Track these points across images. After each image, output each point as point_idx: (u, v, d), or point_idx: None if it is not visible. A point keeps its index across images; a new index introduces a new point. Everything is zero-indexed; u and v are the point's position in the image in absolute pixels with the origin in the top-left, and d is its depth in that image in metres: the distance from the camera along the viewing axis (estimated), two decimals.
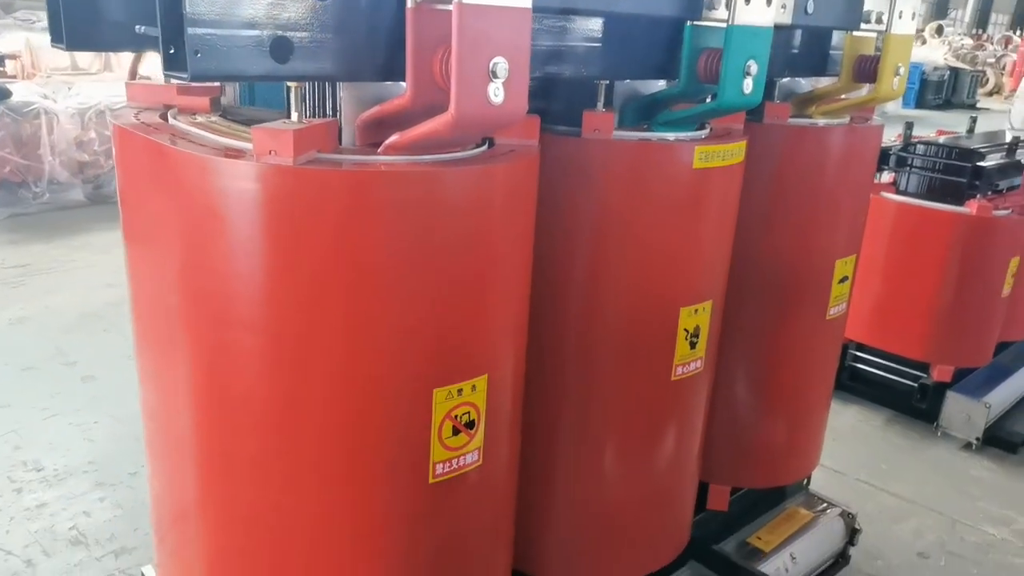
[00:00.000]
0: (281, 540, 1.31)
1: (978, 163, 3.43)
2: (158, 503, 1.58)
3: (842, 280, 2.21)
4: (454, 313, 1.24)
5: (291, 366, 1.19)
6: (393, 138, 1.17)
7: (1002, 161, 3.54)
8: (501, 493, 1.48)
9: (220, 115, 1.46)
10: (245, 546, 1.35)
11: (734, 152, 1.67)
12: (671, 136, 1.60)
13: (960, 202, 3.52)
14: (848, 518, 2.61)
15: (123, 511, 2.87)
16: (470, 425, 1.32)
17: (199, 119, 1.42)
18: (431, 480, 1.30)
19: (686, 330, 1.72)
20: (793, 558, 2.39)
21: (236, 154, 1.13)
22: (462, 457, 1.32)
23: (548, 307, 1.59)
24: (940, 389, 3.73)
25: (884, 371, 3.95)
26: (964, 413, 3.66)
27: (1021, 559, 2.85)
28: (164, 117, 1.43)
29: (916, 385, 3.79)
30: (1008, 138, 3.97)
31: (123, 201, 1.43)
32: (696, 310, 1.72)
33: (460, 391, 1.28)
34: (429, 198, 1.16)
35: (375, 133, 1.25)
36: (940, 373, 3.72)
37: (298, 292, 1.16)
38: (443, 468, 1.30)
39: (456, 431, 1.30)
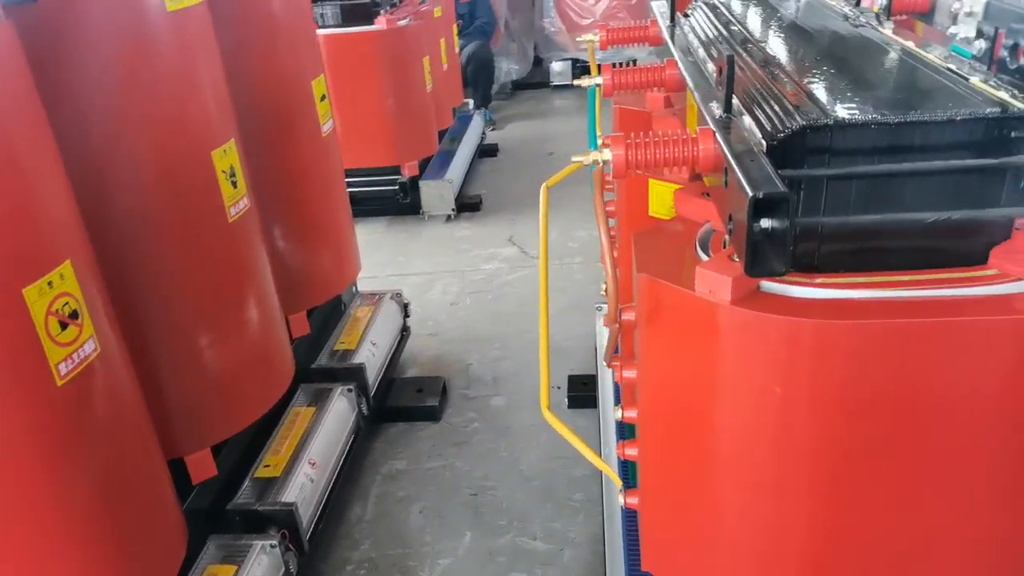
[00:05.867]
0: None
1: None
2: None
3: (322, 99, 2.49)
4: (20, 201, 1.15)
5: None
6: None
7: None
8: (127, 378, 1.47)
9: None
10: None
11: None
12: None
13: (370, 21, 4.05)
14: (398, 297, 3.12)
15: None
16: (75, 316, 1.27)
17: None
18: (59, 383, 1.24)
19: (223, 171, 1.81)
20: (374, 344, 2.81)
21: None
22: (80, 349, 1.28)
23: (94, 184, 1.52)
24: (414, 183, 4.46)
25: (367, 187, 4.50)
26: (437, 194, 4.47)
27: (512, 275, 3.80)
28: None
29: (397, 187, 4.45)
30: None
31: None
32: (225, 150, 1.81)
33: (51, 283, 1.22)
34: None
35: None
36: (410, 169, 4.43)
37: None
38: (66, 367, 1.25)
39: (64, 325, 1.24)
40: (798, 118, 1.13)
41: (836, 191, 1.12)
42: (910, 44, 1.55)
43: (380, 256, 4.11)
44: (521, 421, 2.70)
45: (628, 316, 1.35)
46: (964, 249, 1.17)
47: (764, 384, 1.15)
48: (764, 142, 1.15)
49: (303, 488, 2.10)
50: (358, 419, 2.52)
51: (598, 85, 1.69)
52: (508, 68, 7.22)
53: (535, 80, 7.49)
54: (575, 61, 7.24)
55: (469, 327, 3.36)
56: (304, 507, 2.06)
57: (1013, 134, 1.10)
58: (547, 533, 2.21)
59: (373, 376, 2.69)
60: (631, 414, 1.43)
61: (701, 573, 1.40)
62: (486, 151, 5.60)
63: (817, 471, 1.18)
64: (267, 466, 2.15)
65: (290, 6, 2.31)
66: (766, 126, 1.18)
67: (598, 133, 2.26)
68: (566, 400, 2.73)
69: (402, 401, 2.81)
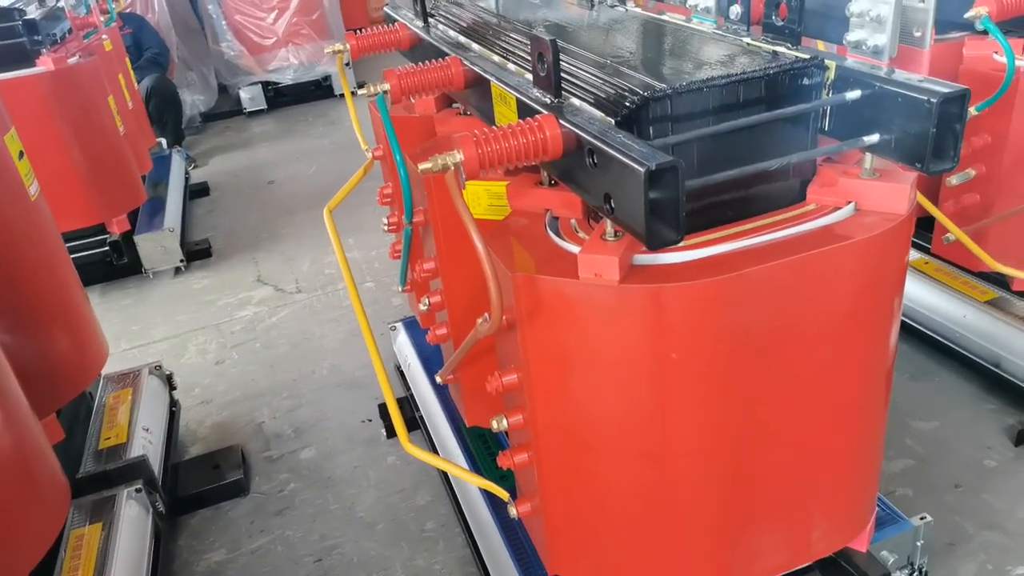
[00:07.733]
0: None
1: (27, 19, 3.34)
2: None
3: (20, 156, 2.04)
4: None
5: None
6: None
7: (44, 10, 3.52)
8: None
9: None
10: None
11: None
12: None
13: (32, 63, 3.43)
14: (157, 371, 2.70)
15: None
16: None
17: None
18: None
19: None
20: (147, 430, 2.40)
21: None
22: None
23: None
24: (128, 239, 3.90)
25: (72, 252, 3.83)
26: (159, 247, 3.95)
27: (275, 317, 3.49)
28: None
29: (107, 247, 3.85)
30: None
31: None
32: None
33: None
34: None
35: None
36: (119, 225, 3.85)
37: None
38: None
39: None
40: (636, 92, 1.15)
41: (683, 155, 1.17)
42: (665, 17, 1.68)
43: (106, 330, 3.52)
44: (342, 466, 2.49)
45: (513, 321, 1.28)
46: (788, 190, 1.29)
47: (662, 351, 1.17)
48: (609, 119, 1.16)
49: None
50: (155, 520, 2.13)
51: (385, 92, 1.59)
52: (193, 99, 6.62)
53: (225, 109, 6.97)
54: (266, 84, 6.86)
55: (246, 383, 3.02)
56: None
57: (808, 81, 1.23)
58: (413, 574, 2.06)
59: (158, 467, 2.30)
60: (517, 419, 1.37)
61: (622, 561, 1.39)
62: (196, 191, 5.08)
63: (730, 427, 1.23)
64: None
65: None
66: (603, 104, 1.19)
67: (363, 147, 2.15)
68: (383, 431, 2.58)
69: (197, 485, 2.43)
